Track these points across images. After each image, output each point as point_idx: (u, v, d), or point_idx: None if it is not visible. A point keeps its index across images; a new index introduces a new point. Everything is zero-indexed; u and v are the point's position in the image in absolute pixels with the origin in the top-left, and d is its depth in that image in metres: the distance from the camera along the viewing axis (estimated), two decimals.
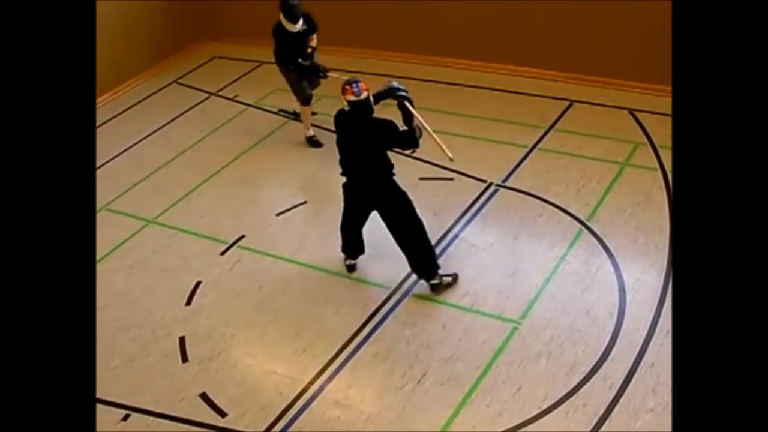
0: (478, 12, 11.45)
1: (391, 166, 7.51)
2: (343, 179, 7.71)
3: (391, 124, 7.29)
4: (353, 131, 7.44)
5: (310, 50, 10.10)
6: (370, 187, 7.67)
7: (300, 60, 9.99)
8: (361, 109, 7.29)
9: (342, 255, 8.32)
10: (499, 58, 11.61)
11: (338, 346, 7.34)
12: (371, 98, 7.35)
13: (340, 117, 7.50)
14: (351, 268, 8.28)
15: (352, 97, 7.25)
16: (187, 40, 13.95)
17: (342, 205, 7.93)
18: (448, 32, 11.88)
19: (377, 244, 8.28)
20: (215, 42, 14.12)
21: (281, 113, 11.44)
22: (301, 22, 9.84)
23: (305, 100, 10.42)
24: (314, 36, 10.13)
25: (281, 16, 9.82)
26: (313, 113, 10.68)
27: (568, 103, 10.64)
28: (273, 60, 10.29)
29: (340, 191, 7.74)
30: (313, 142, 10.52)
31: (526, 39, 11.26)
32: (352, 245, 8.22)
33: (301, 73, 10.18)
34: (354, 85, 7.27)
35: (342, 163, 7.63)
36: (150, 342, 7.74)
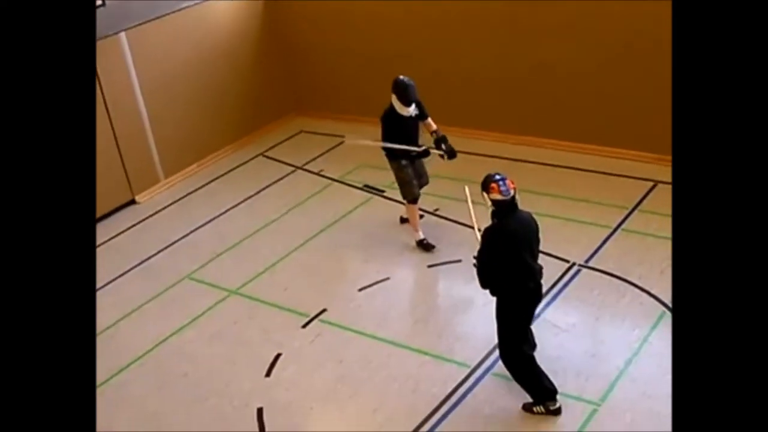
0: (567, 93, 11.56)
1: None
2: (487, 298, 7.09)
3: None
4: (521, 235, 6.63)
5: (435, 135, 9.66)
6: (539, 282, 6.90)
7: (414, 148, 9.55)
8: (509, 208, 6.54)
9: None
10: (586, 138, 11.64)
11: (416, 423, 7.29)
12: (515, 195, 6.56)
13: (501, 232, 6.60)
14: (559, 410, 7.13)
15: (498, 196, 6.47)
16: (274, 114, 14.26)
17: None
18: (538, 112, 11.99)
19: (457, 323, 8.24)
20: (302, 116, 14.39)
21: (366, 189, 11.53)
22: (413, 105, 9.48)
23: (413, 200, 9.91)
24: (429, 120, 9.70)
25: (393, 99, 9.45)
26: (421, 215, 10.23)
27: (652, 183, 10.57)
28: (367, 140, 10.02)
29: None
30: (425, 246, 9.87)
31: (613, 120, 11.30)
32: (541, 379, 7.06)
33: (415, 158, 9.72)
34: (501, 182, 6.47)
35: (512, 275, 6.66)
36: (228, 412, 7.78)
